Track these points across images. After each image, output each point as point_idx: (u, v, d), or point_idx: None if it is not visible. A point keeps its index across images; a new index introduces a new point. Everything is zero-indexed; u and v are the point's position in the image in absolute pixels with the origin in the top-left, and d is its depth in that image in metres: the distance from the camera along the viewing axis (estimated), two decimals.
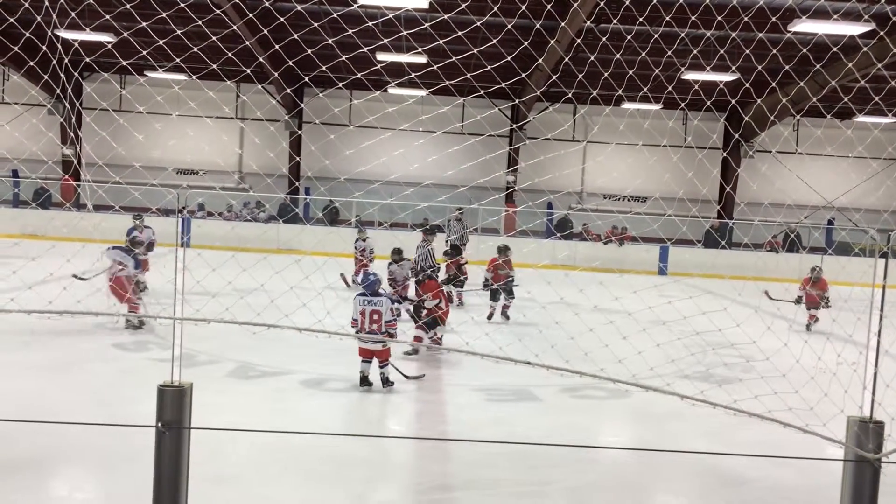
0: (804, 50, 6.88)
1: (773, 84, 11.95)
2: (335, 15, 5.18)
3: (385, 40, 7.28)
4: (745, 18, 5.97)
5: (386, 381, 7.19)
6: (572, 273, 9.01)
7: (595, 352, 5.43)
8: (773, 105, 18.56)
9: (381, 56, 15.23)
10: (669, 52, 6.04)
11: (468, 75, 4.66)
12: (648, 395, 3.84)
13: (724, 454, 5.75)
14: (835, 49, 6.04)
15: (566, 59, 5.74)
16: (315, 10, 13.30)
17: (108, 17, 5.39)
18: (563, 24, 13.78)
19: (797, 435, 3.50)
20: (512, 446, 5.80)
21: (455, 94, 14.16)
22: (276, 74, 19.29)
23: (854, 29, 12.91)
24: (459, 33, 4.56)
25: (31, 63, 7.77)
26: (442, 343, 8.97)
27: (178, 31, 4.83)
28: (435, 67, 4.29)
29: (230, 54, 5.33)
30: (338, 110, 22.92)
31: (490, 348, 4.22)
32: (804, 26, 13.37)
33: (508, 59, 4.56)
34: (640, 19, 6.46)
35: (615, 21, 11.78)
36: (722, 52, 10.16)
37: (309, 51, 5.01)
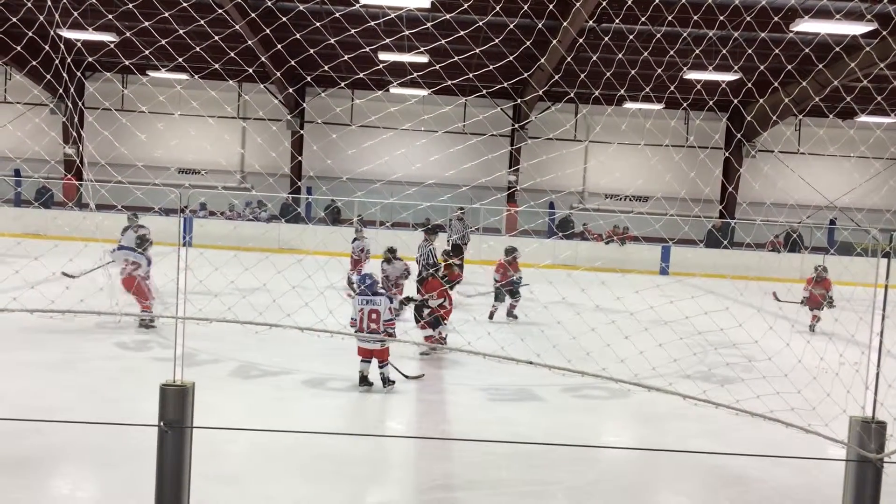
0: (806, 50, 6.86)
1: (775, 84, 11.92)
2: (337, 14, 5.20)
3: (387, 40, 7.28)
4: (748, 18, 5.96)
5: (386, 381, 7.18)
6: (574, 273, 9.02)
7: (597, 351, 5.44)
8: (775, 105, 18.57)
9: (382, 56, 15.24)
10: (671, 52, 6.03)
11: (470, 75, 4.67)
12: (650, 395, 3.84)
13: (726, 454, 5.75)
14: (837, 49, 6.04)
15: (568, 59, 5.74)
16: (317, 10, 13.29)
17: (110, 16, 5.41)
18: (564, 23, 13.77)
19: (799, 435, 3.50)
20: (514, 446, 5.80)
21: (457, 94, 14.15)
22: (278, 74, 19.29)
23: (856, 28, 12.91)
24: (461, 33, 4.57)
25: (34, 62, 7.81)
26: (446, 342, 8.96)
27: (181, 31, 4.84)
28: (437, 67, 4.29)
29: (232, 54, 5.34)
30: (340, 110, 22.95)
31: (492, 348, 4.22)
32: (806, 26, 13.36)
33: (510, 58, 4.57)
34: (643, 19, 6.45)
35: (617, 21, 11.78)
36: (724, 51, 10.19)
37: (311, 50, 5.01)
